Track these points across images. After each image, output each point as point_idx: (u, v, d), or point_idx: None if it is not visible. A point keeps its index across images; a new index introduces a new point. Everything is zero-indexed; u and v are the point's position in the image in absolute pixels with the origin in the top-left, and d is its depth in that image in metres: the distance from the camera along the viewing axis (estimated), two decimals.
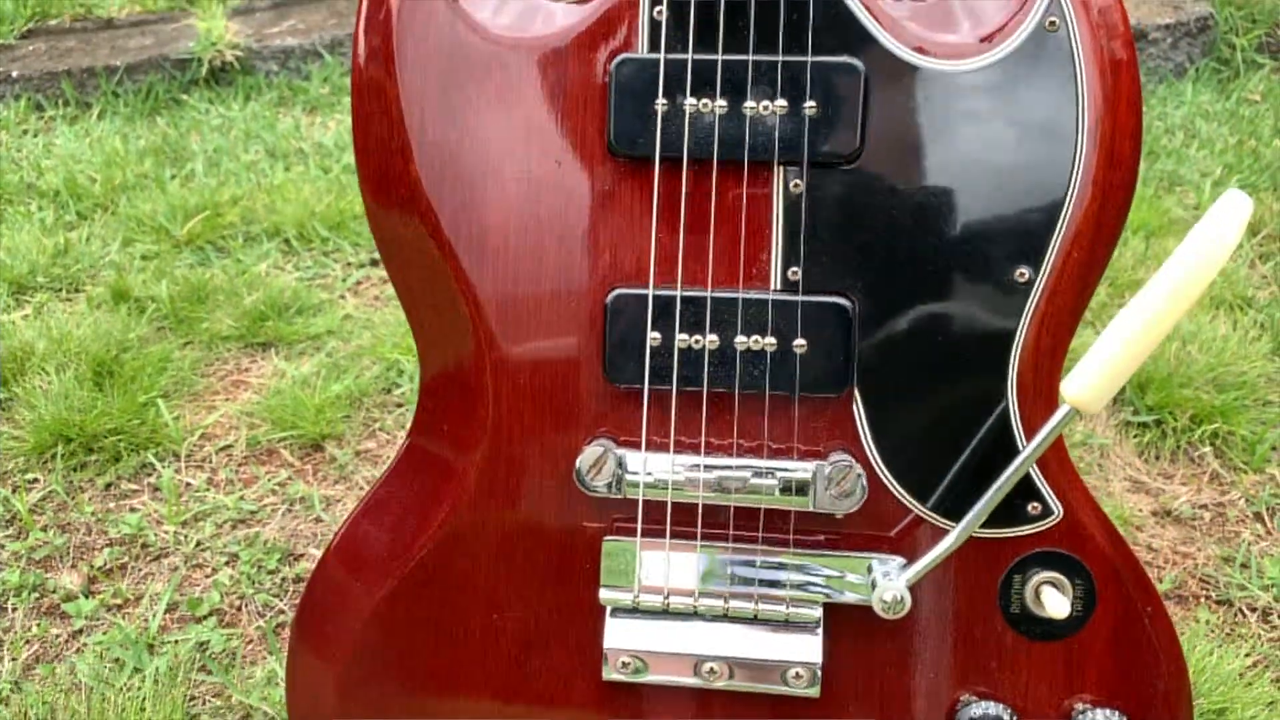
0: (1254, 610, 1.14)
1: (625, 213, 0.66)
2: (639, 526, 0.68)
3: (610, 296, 0.66)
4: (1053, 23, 0.62)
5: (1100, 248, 0.65)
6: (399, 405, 1.45)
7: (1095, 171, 0.63)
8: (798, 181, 0.64)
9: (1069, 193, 0.63)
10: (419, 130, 0.66)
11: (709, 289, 0.65)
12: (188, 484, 1.33)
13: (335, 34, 2.46)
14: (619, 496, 0.67)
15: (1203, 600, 1.16)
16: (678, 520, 0.68)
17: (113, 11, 2.57)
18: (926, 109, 0.63)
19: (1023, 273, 0.64)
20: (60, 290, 1.73)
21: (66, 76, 2.34)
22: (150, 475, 1.34)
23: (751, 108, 0.63)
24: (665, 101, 0.64)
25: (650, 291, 0.65)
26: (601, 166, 0.65)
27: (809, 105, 0.63)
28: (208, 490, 1.31)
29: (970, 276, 0.64)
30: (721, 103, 0.64)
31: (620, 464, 0.66)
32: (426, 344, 0.72)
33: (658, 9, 0.64)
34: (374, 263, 1.80)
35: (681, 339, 0.65)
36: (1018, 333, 0.65)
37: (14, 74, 2.34)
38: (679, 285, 0.65)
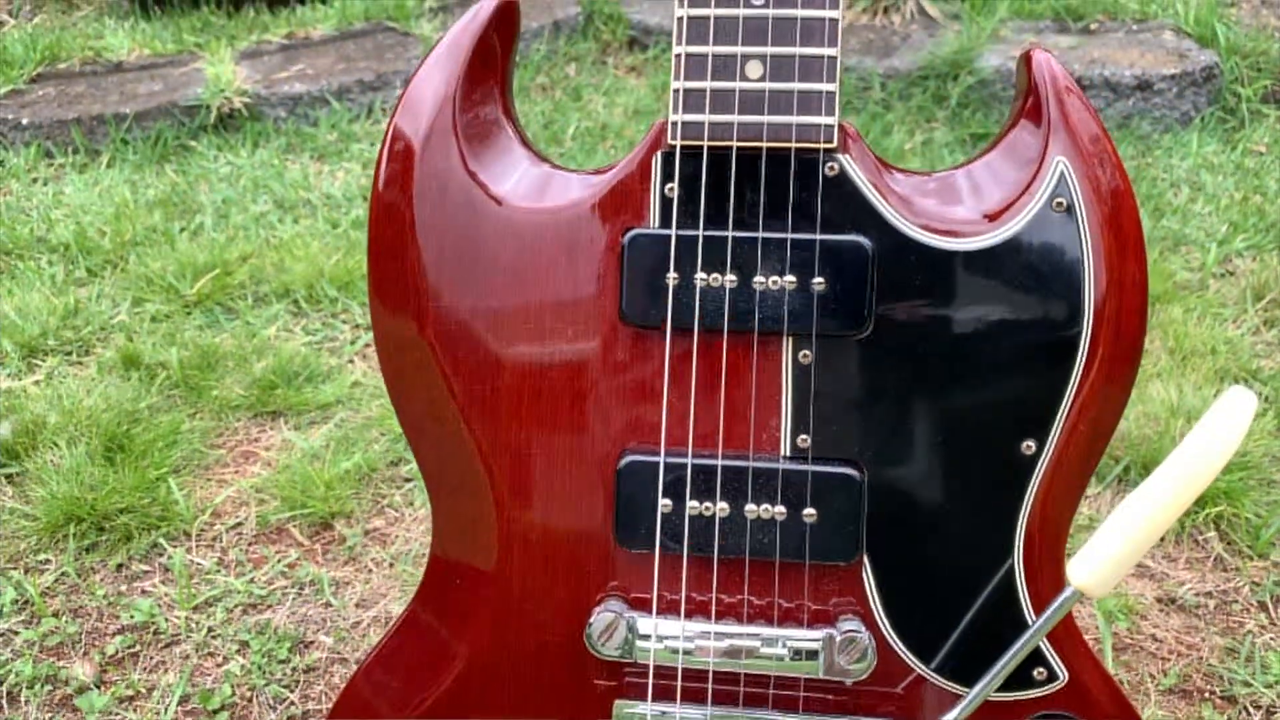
0: (1259, 708, 1.15)
1: (637, 380, 0.66)
2: (650, 689, 0.68)
3: (622, 462, 0.67)
4: (1060, 203, 0.63)
5: (1106, 419, 0.66)
6: (407, 480, 1.46)
7: (1102, 348, 0.64)
8: (806, 352, 0.65)
9: (1075, 369, 0.64)
10: (435, 295, 0.67)
11: (719, 457, 0.66)
12: (198, 565, 1.34)
13: (343, 80, 2.47)
14: (630, 660, 0.68)
15: (1208, 696, 1.16)
16: (689, 680, 0.68)
17: (122, 55, 2.59)
18: (934, 286, 0.64)
19: (1029, 445, 0.65)
20: (71, 354, 1.74)
21: (76, 124, 2.35)
22: (161, 555, 1.35)
23: (761, 283, 0.64)
24: (676, 275, 0.65)
25: (661, 459, 0.66)
26: (614, 334, 0.66)
27: (818, 281, 0.64)
28: (218, 571, 1.33)
29: (978, 449, 0.65)
30: (732, 277, 0.64)
31: (631, 629, 0.67)
32: (442, 500, 0.72)
33: (669, 186, 0.65)
34: None
35: (692, 506, 0.66)
36: (1024, 503, 0.65)
37: (24, 121, 2.36)
38: (690, 453, 0.66)
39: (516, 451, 0.68)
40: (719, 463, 0.66)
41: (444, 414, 0.68)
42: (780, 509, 0.66)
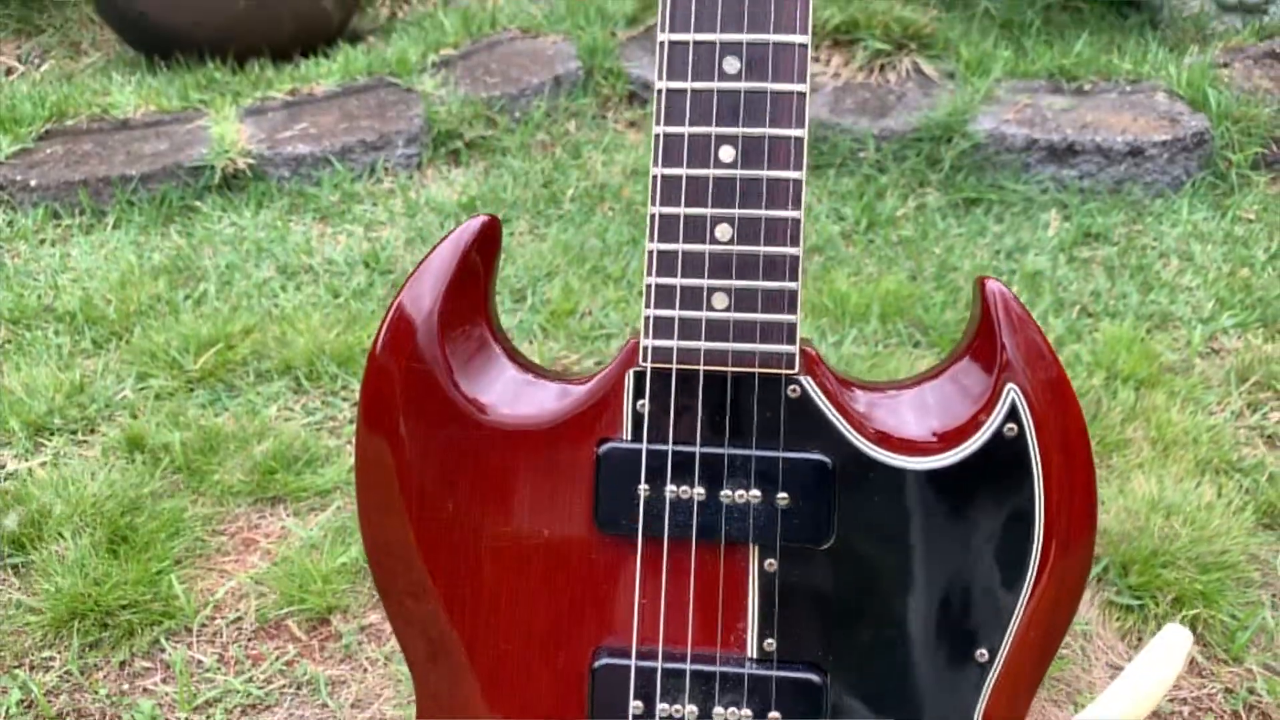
0: None
1: (610, 584, 0.70)
2: None
3: (595, 664, 0.70)
4: (1011, 428, 0.66)
5: (1057, 627, 0.69)
6: None
7: (1053, 562, 0.67)
8: (771, 561, 0.68)
9: (1026, 582, 0.67)
10: (417, 499, 0.71)
11: (688, 660, 0.69)
12: (199, 661, 1.37)
13: (345, 140, 2.51)
14: None
15: None
16: None
17: (128, 112, 2.63)
18: (892, 502, 0.67)
19: (982, 653, 0.68)
20: (76, 432, 1.77)
21: (83, 186, 2.39)
22: (163, 652, 1.38)
23: (728, 496, 0.68)
24: (648, 487, 0.68)
25: (633, 662, 0.70)
26: (587, 540, 0.70)
27: (782, 496, 0.67)
28: (218, 669, 1.36)
29: (934, 656, 0.68)
30: (700, 490, 0.68)
31: None
32: (423, 678, 0.76)
33: (641, 402, 0.68)
34: None
35: (663, 709, 0.70)
36: (978, 704, 0.69)
37: (32, 183, 2.40)
38: (660, 656, 0.69)
39: (495, 645, 0.71)
40: (688, 666, 0.69)
41: (425, 603, 0.72)
42: (746, 711, 0.69)
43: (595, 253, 2.24)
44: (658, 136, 0.65)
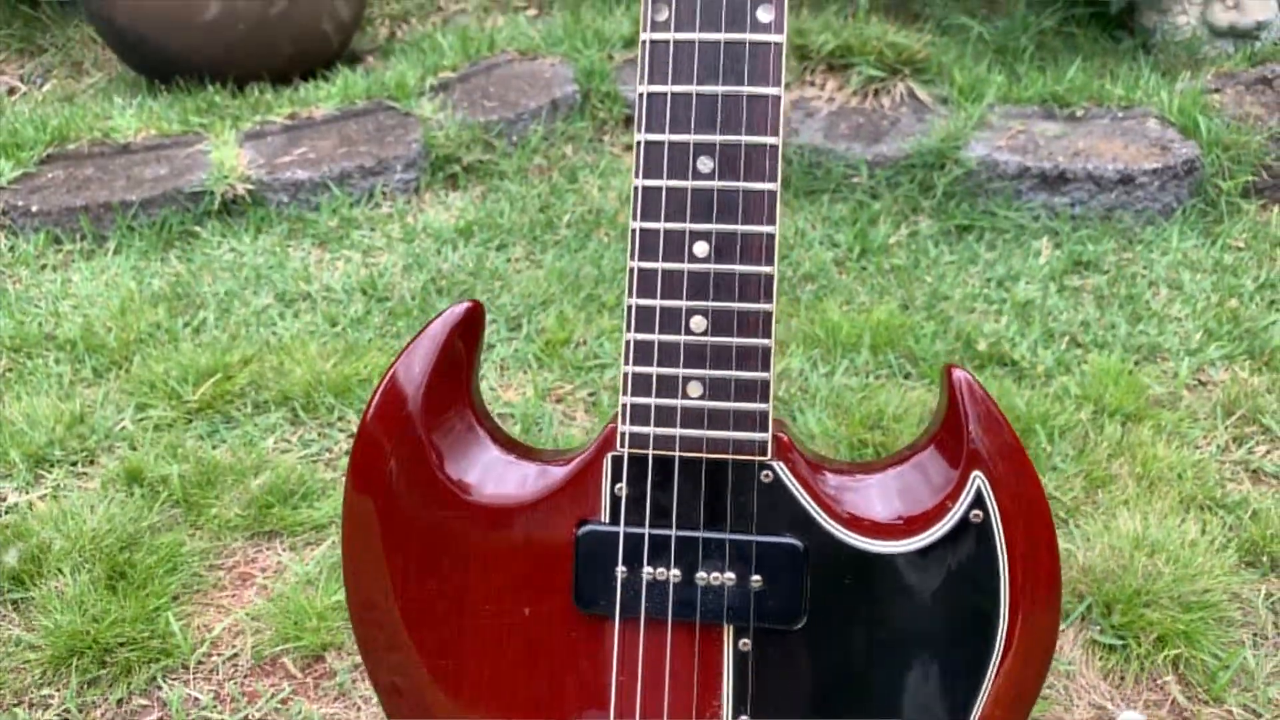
0: None
1: (589, 661, 0.72)
2: None
3: None
4: (977, 515, 0.68)
5: (1022, 703, 0.71)
6: None
7: (1016, 643, 0.69)
8: (746, 641, 0.71)
9: (991, 662, 0.69)
10: (401, 569, 0.73)
11: None
12: (195, 699, 1.39)
13: (344, 165, 2.53)
14: None
15: None
16: None
17: (129, 135, 2.65)
18: (861, 584, 0.69)
19: None
20: (76, 464, 1.80)
21: (84, 211, 2.41)
22: (160, 689, 1.41)
23: (703, 578, 0.70)
24: (625, 569, 0.70)
25: None
26: (567, 618, 0.72)
27: (755, 579, 0.70)
28: (214, 707, 1.38)
29: None
30: (676, 572, 0.70)
31: None
32: None
33: (618, 486, 0.70)
34: None
35: None
36: None
37: (34, 208, 2.42)
38: None
39: (475, 715, 0.73)
40: None
41: (407, 669, 0.74)
42: None
43: (590, 280, 2.26)
44: (633, 231, 0.67)
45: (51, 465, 1.79)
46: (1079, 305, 2.14)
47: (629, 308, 0.68)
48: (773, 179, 0.66)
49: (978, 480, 0.67)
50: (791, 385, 1.95)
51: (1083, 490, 1.67)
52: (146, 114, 2.73)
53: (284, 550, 1.62)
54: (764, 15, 0.65)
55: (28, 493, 1.74)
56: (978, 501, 0.67)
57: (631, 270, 0.68)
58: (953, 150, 2.45)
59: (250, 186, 2.47)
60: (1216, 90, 2.64)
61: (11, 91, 3.26)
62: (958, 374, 0.69)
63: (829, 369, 1.98)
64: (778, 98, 0.66)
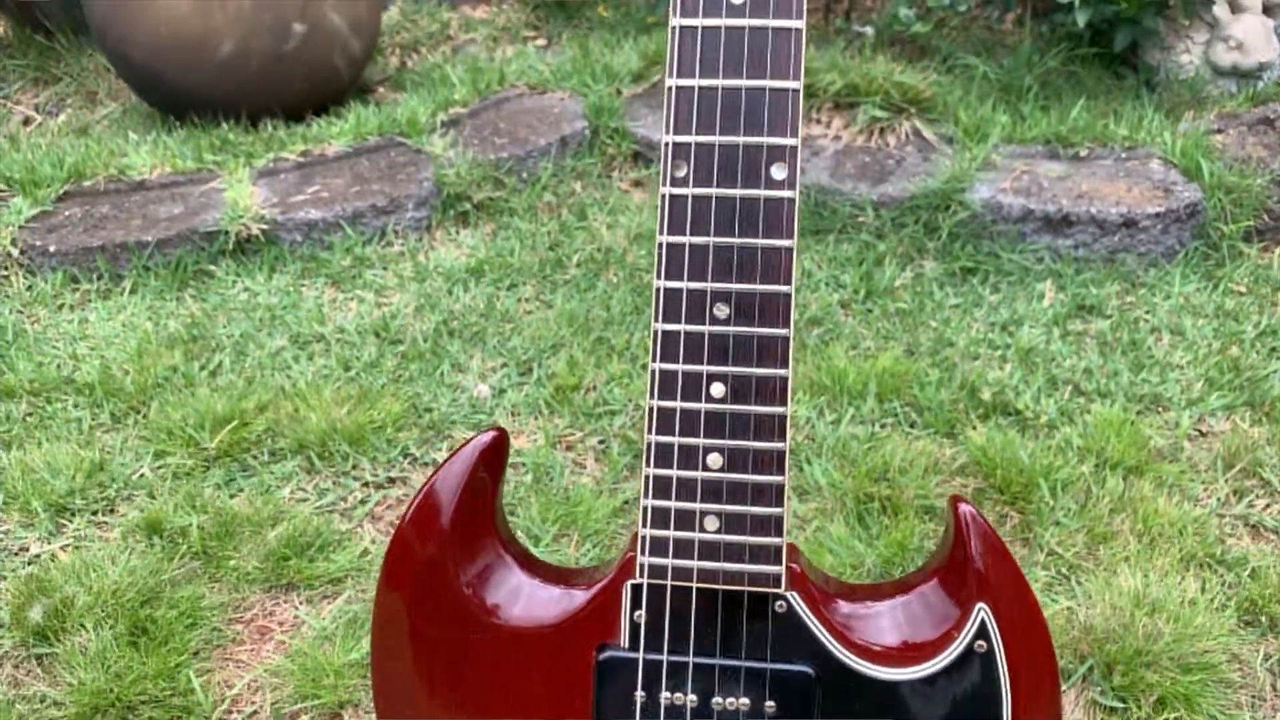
0: None
1: None
2: None
3: None
4: (981, 645, 0.71)
5: None
6: None
7: None
8: None
9: None
10: (429, 692, 0.76)
11: None
12: None
13: (357, 205, 2.57)
14: None
15: None
16: None
17: (144, 172, 2.69)
18: (870, 709, 0.72)
19: None
20: (97, 513, 1.83)
21: (101, 251, 2.45)
22: None
23: (719, 703, 0.73)
24: (644, 694, 0.74)
25: None
26: None
27: (769, 705, 0.73)
28: None
29: None
30: (693, 697, 0.73)
31: None
32: None
33: (637, 613, 0.73)
34: (390, 481, 1.90)
35: None
36: None
37: (51, 248, 2.46)
38: None
39: None
40: None
41: None
42: None
43: (600, 323, 2.29)
44: (652, 370, 0.71)
45: (73, 514, 1.83)
46: (1082, 351, 2.17)
47: (648, 444, 0.72)
48: (785, 324, 0.69)
49: (982, 611, 0.70)
50: (799, 433, 1.98)
51: (1085, 546, 1.70)
52: (161, 150, 2.77)
53: (301, 603, 1.65)
54: (778, 173, 0.68)
55: (50, 542, 1.78)
56: (981, 632, 0.70)
57: (651, 409, 0.71)
58: (957, 192, 2.48)
59: (264, 226, 2.51)
60: (1219, 131, 2.67)
61: (27, 122, 3.30)
62: (963, 508, 0.72)
63: (835, 417, 2.01)
64: (790, 249, 0.69)
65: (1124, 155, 2.60)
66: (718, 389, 0.70)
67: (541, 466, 1.90)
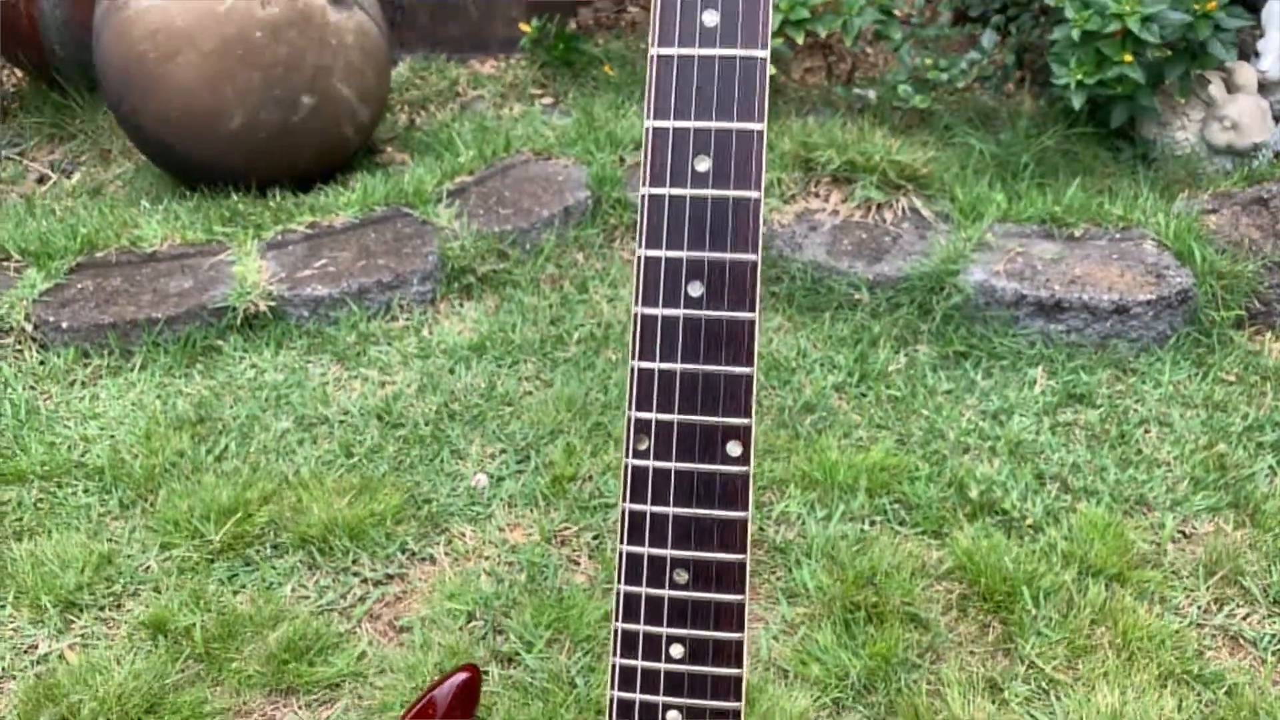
0: None
1: None
2: None
3: None
4: None
5: None
6: None
7: None
8: None
9: None
10: None
11: None
12: None
13: (362, 281, 2.62)
14: None
15: None
16: None
17: (155, 243, 2.74)
18: None
19: None
20: (104, 609, 1.89)
21: (112, 329, 2.51)
22: None
23: None
24: None
25: None
26: None
27: None
28: None
29: None
30: None
31: None
32: None
33: None
34: (388, 578, 1.95)
35: None
36: None
37: (64, 324, 2.52)
38: None
39: None
40: None
41: None
42: None
43: (598, 407, 2.34)
44: (615, 630, 0.75)
45: (81, 610, 1.88)
46: (1071, 444, 2.21)
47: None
48: (740, 589, 0.74)
49: None
50: (789, 530, 2.03)
51: (1065, 659, 1.74)
52: (172, 221, 2.83)
53: (301, 708, 1.71)
54: (734, 449, 0.73)
55: (59, 640, 1.83)
56: None
57: (612, 667, 0.75)
58: (951, 275, 2.52)
59: (271, 303, 2.56)
60: (1214, 210, 2.70)
61: (41, 180, 3.37)
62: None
63: (826, 513, 2.05)
64: (745, 521, 0.74)
65: (1118, 236, 2.64)
66: (676, 650, 0.74)
67: (535, 565, 1.95)
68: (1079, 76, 2.60)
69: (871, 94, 3.29)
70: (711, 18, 0.72)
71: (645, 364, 0.73)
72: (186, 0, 2.73)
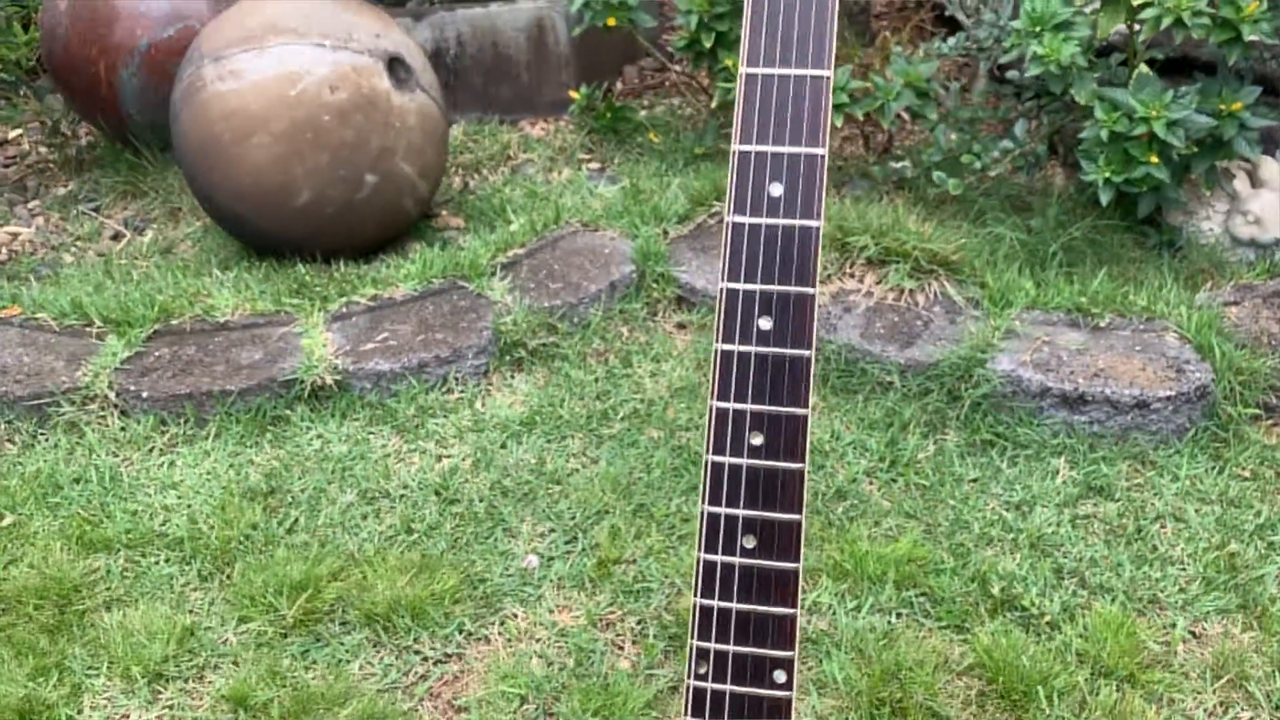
0: None
1: None
2: None
3: None
4: None
5: None
6: None
7: None
8: None
9: None
10: None
11: None
12: None
13: (421, 356, 2.78)
14: None
15: None
16: None
17: (226, 313, 2.92)
18: None
19: None
20: (188, 681, 2.06)
21: (188, 399, 2.69)
22: None
23: None
24: None
25: None
26: None
27: None
28: None
29: None
30: None
31: None
32: None
33: None
34: (447, 657, 2.11)
35: None
36: None
37: (144, 394, 2.70)
38: None
39: None
40: None
41: None
42: None
43: (641, 486, 2.49)
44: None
45: (167, 681, 2.06)
46: (1089, 539, 2.33)
47: None
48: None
49: None
50: (821, 620, 2.17)
51: None
52: (242, 290, 3.00)
53: None
54: (779, 676, 0.87)
55: (148, 710, 2.01)
56: None
57: None
58: (979, 364, 2.64)
59: (337, 376, 2.73)
60: (1235, 302, 2.81)
61: (116, 237, 3.56)
62: None
63: (856, 603, 2.19)
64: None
65: (1142, 327, 2.75)
66: None
67: (583, 650, 2.10)
68: (1107, 174, 2.71)
69: (908, 166, 3.42)
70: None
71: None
72: (260, 85, 2.90)
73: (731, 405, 0.95)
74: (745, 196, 0.97)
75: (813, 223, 0.95)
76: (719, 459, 0.96)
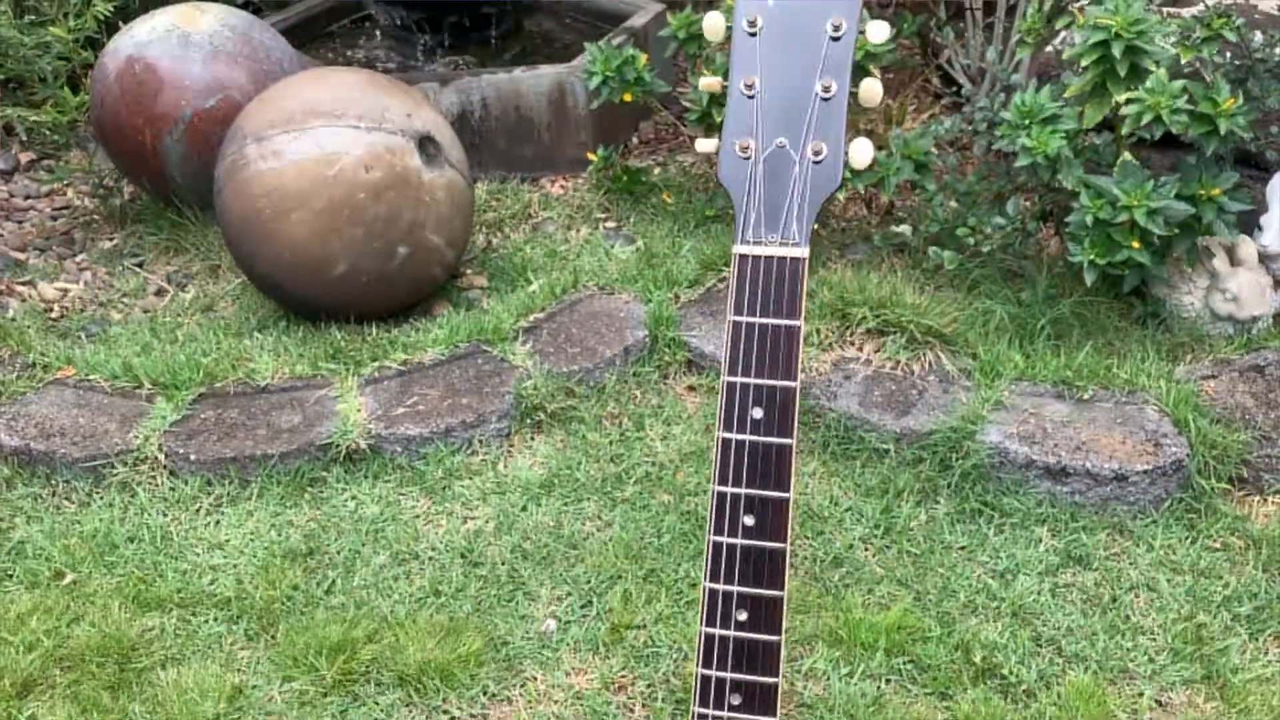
0: None
1: None
2: None
3: None
4: None
5: None
6: None
7: None
8: None
9: None
10: None
11: None
12: None
13: (449, 421, 2.98)
14: None
15: None
16: None
17: (267, 376, 3.13)
18: None
19: None
20: None
21: (233, 462, 2.90)
22: None
23: None
24: None
25: None
26: None
27: None
28: None
29: None
30: None
31: None
32: None
33: None
34: (473, 718, 2.31)
35: None
36: None
37: (191, 456, 2.91)
38: None
39: None
40: None
41: None
42: None
43: (651, 551, 2.68)
44: None
45: None
46: (1068, 607, 2.51)
47: None
48: None
49: None
50: (815, 686, 2.36)
51: None
52: (281, 354, 3.21)
53: None
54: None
55: None
56: None
57: None
58: (970, 434, 2.82)
59: (370, 441, 2.93)
60: (1213, 376, 2.98)
61: (159, 292, 3.78)
62: None
63: (849, 670, 2.38)
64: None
65: (1124, 399, 2.93)
66: None
67: (597, 713, 2.30)
68: (1091, 257, 2.89)
69: (908, 231, 3.60)
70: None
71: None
72: (300, 165, 3.11)
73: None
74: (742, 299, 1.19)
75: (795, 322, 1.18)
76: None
